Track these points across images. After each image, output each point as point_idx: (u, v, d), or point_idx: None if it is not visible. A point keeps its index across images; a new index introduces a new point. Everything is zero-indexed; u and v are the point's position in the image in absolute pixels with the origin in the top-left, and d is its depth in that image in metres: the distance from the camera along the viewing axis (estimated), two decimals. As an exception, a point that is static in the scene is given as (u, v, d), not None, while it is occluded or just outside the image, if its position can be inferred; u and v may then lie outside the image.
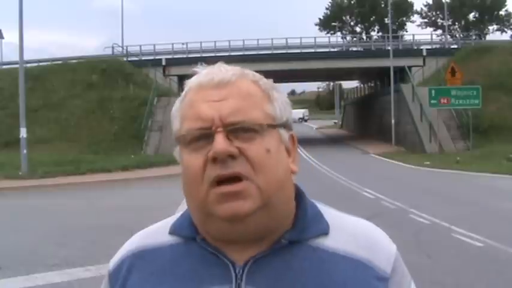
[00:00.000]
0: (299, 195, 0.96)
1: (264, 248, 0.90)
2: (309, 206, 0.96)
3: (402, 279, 0.94)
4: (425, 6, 67.80)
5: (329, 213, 0.97)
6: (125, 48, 39.81)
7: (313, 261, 0.90)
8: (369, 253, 0.92)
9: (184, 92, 0.94)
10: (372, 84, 48.76)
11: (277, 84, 0.97)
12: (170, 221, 1.00)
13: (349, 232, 0.94)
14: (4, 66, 38.15)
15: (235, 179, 0.86)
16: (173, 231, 0.97)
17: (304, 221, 0.93)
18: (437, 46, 44.12)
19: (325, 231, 0.93)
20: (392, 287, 0.91)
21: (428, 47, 40.58)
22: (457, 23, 65.36)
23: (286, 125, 0.94)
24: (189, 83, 0.94)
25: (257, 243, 0.90)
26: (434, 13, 66.37)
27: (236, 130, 0.87)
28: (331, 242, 0.92)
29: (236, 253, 0.90)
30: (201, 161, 0.87)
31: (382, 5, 65.44)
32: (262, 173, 0.86)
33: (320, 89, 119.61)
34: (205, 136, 0.87)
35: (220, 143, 0.85)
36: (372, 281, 0.90)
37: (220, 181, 0.86)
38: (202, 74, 0.93)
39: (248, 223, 0.87)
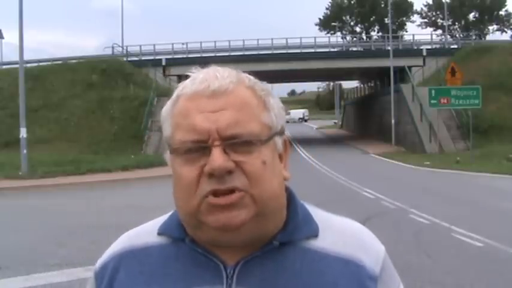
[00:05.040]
0: (290, 197, 0.95)
1: (255, 249, 0.90)
2: (299, 208, 0.95)
3: (391, 279, 0.94)
4: (425, 6, 67.92)
5: (318, 214, 0.97)
6: (124, 48, 39.80)
7: (304, 262, 0.90)
8: (358, 253, 0.92)
9: (176, 95, 0.91)
10: (372, 84, 48.76)
11: (271, 87, 0.95)
12: (159, 221, 0.99)
13: (338, 232, 0.94)
14: (4, 66, 38.13)
15: (230, 190, 0.84)
16: (162, 232, 0.96)
17: (295, 223, 0.92)
18: (437, 46, 44.09)
19: (315, 233, 0.93)
20: (381, 286, 0.91)
21: (428, 47, 40.57)
22: (457, 23, 65.38)
23: (281, 132, 0.93)
24: (184, 88, 0.90)
25: (248, 245, 0.89)
26: (434, 13, 66.39)
27: (234, 144, 0.85)
28: (321, 242, 0.92)
29: (227, 254, 0.90)
30: (195, 174, 0.85)
31: (382, 5, 65.47)
32: (258, 184, 0.85)
33: (320, 89, 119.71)
34: (200, 148, 0.85)
35: (218, 159, 0.83)
36: (362, 280, 0.90)
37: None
38: (198, 80, 0.89)
39: (240, 232, 0.86)
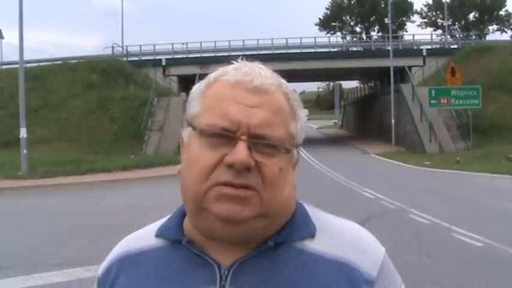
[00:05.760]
0: None
1: (250, 249, 0.90)
2: (297, 208, 0.95)
3: (390, 282, 0.92)
4: (425, 6, 67.82)
5: (317, 215, 0.96)
6: (124, 48, 39.82)
7: (298, 264, 0.89)
8: (355, 256, 0.91)
9: (213, 78, 0.92)
10: (372, 84, 48.77)
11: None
12: (157, 224, 1.00)
13: (336, 234, 0.93)
14: (4, 66, 38.16)
15: (243, 186, 0.85)
16: (160, 234, 0.96)
17: (292, 224, 0.92)
18: (437, 46, 44.09)
19: (311, 234, 0.92)
20: None
21: (428, 47, 40.57)
22: (457, 23, 65.34)
23: (299, 145, 0.94)
24: (224, 74, 0.91)
25: (243, 244, 0.90)
26: (434, 13, 66.34)
27: (259, 144, 0.86)
28: (317, 244, 0.91)
29: (222, 254, 0.90)
30: (214, 160, 0.85)
31: (382, 5, 65.42)
32: (270, 188, 0.86)
33: (320, 89, 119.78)
34: (226, 137, 0.86)
35: (242, 153, 0.84)
36: (356, 283, 0.88)
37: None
38: (242, 71, 0.90)
39: (241, 227, 0.86)
